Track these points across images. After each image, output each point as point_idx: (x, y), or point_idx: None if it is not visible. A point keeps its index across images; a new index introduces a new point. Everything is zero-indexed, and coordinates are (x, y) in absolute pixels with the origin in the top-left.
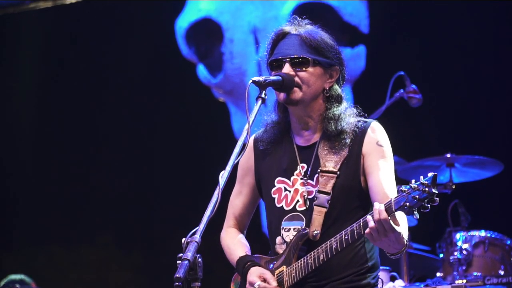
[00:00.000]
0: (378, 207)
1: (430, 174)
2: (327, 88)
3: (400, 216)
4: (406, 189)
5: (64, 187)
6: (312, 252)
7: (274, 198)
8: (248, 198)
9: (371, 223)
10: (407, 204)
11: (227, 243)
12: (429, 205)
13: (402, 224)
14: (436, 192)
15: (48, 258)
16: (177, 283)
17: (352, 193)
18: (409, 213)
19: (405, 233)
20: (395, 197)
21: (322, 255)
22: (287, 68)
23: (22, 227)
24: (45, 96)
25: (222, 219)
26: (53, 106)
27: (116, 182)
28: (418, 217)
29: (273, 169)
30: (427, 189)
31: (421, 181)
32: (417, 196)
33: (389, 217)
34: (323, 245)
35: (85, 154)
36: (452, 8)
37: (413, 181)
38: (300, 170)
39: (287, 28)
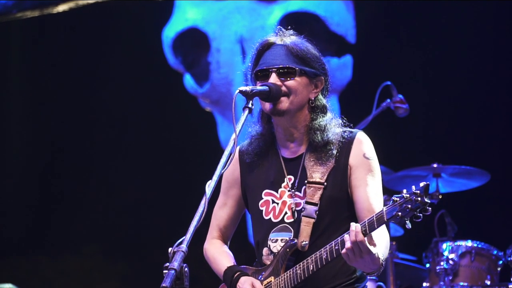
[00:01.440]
0: (355, 228)
1: (422, 184)
2: (312, 99)
3: (378, 235)
4: (397, 199)
5: (50, 196)
6: (301, 263)
7: (262, 210)
8: (233, 210)
9: (348, 244)
10: (399, 214)
11: (212, 253)
12: (421, 214)
13: (380, 244)
14: (429, 201)
15: (34, 267)
16: None
17: (339, 204)
18: (401, 222)
19: (381, 253)
20: (387, 207)
21: (312, 266)
22: (273, 78)
23: (7, 236)
24: (32, 104)
25: (208, 229)
26: (41, 114)
27: (102, 192)
28: (410, 226)
29: (260, 182)
30: (419, 198)
31: (413, 191)
32: (410, 206)
33: (365, 239)
34: (313, 255)
35: (71, 164)
36: (439, 18)
37: (404, 191)
38: (287, 182)
39: (273, 38)
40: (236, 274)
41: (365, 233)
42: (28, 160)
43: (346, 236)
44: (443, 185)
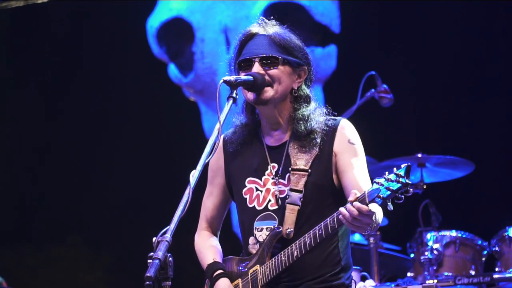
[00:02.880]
0: (353, 197)
1: (403, 165)
2: (295, 88)
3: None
4: (379, 181)
5: (33, 186)
6: (285, 249)
7: (246, 198)
8: (219, 199)
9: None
10: (381, 195)
11: (198, 247)
12: (402, 196)
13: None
14: (410, 182)
15: (18, 257)
16: (147, 282)
17: (324, 191)
18: (383, 204)
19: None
20: (369, 190)
21: (296, 251)
22: (256, 68)
23: None
24: (14, 96)
25: (192, 218)
26: (26, 106)
27: (85, 182)
28: (392, 208)
29: (244, 170)
30: (400, 179)
31: (395, 172)
32: (391, 187)
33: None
34: (297, 241)
35: (54, 154)
36: (423, 7)
37: (386, 173)
38: (271, 170)
39: (255, 29)
40: (215, 274)
41: None
42: (13, 152)
43: (343, 209)
44: (428, 175)
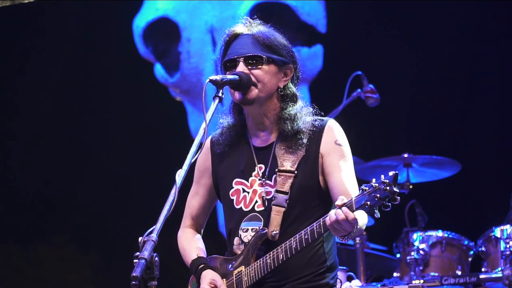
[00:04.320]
0: (341, 202)
1: (391, 173)
2: (281, 87)
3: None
4: (367, 188)
5: (21, 185)
6: (271, 252)
7: (233, 199)
8: (205, 199)
9: (336, 218)
10: (368, 203)
11: (182, 244)
12: (390, 203)
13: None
14: (398, 191)
15: (5, 256)
16: (133, 282)
17: (310, 193)
18: (370, 212)
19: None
20: (356, 196)
21: (281, 255)
22: (241, 67)
23: None
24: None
25: (179, 218)
26: (7, 105)
27: (73, 181)
28: (379, 216)
29: (231, 171)
30: (388, 188)
31: (382, 180)
32: (378, 195)
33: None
34: (283, 244)
35: (42, 153)
36: (410, 7)
37: (373, 180)
38: (258, 171)
39: (239, 29)
40: (199, 267)
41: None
42: (1, 150)
43: (332, 213)
44: (414, 175)
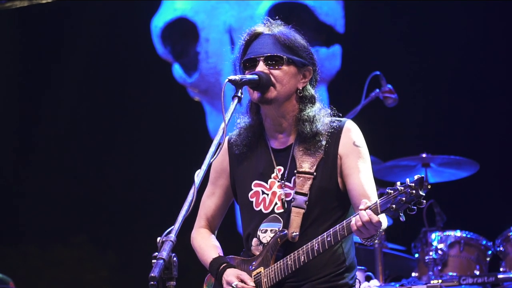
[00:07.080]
0: (365, 206)
1: (416, 177)
2: (300, 88)
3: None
4: (391, 191)
5: (39, 186)
6: (292, 254)
7: (252, 201)
8: (221, 200)
9: (360, 222)
10: (393, 206)
11: (198, 243)
12: (415, 207)
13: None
14: (423, 194)
15: (23, 257)
16: (152, 282)
17: (329, 194)
18: (394, 215)
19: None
20: (381, 199)
21: (303, 257)
22: (261, 67)
23: None
24: (20, 96)
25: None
26: (28, 107)
27: (91, 182)
28: (404, 219)
29: (250, 173)
30: (414, 191)
31: (408, 184)
32: (404, 199)
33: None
34: (304, 246)
35: (59, 154)
36: (428, 7)
37: (398, 183)
38: (277, 173)
39: (260, 28)
40: (222, 266)
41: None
42: (15, 149)
43: (357, 217)
44: (432, 175)
